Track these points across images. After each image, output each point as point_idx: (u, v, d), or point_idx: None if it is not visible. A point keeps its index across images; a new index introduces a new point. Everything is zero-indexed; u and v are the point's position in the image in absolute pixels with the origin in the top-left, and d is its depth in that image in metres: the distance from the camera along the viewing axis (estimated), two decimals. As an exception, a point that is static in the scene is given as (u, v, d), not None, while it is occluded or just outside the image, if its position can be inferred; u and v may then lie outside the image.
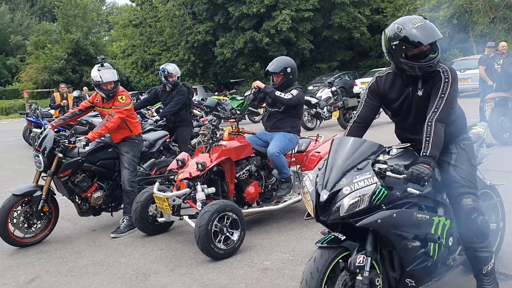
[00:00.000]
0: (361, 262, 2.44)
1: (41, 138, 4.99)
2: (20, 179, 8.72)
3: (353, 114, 10.50)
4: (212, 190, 4.60)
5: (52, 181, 5.02)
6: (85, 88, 20.51)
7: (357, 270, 2.43)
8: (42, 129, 5.15)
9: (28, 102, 27.42)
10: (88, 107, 5.43)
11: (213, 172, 4.69)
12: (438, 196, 2.89)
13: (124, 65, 37.94)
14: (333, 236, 2.55)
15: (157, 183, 4.79)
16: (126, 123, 5.27)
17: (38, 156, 4.91)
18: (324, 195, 2.49)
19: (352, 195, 2.44)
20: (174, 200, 4.53)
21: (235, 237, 4.26)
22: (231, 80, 36.47)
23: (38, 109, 12.78)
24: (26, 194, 4.85)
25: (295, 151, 5.13)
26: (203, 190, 4.50)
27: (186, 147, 7.00)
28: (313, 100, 12.44)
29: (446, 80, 2.76)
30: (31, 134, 12.58)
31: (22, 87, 41.86)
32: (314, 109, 12.33)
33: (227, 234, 4.23)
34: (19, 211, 4.85)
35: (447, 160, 2.92)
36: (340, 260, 2.51)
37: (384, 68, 3.14)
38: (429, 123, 2.68)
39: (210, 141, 4.81)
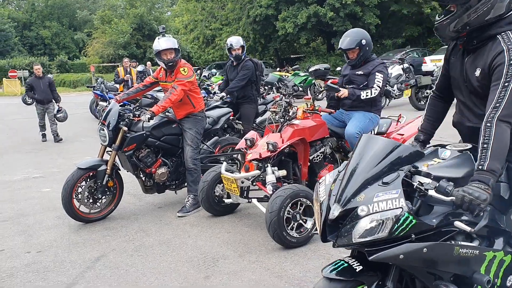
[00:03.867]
0: None
1: (106, 112, 4.87)
2: (86, 152, 8.85)
3: (426, 93, 9.72)
4: (283, 172, 4.29)
5: (117, 156, 4.90)
6: (148, 63, 20.74)
7: None
8: (107, 103, 5.03)
9: (94, 76, 28.21)
10: (152, 83, 5.25)
11: (285, 153, 4.36)
12: (499, 221, 2.14)
13: (186, 40, 38.15)
14: (346, 265, 1.99)
15: (224, 163, 4.54)
16: (190, 98, 5.04)
17: (103, 130, 4.79)
18: (335, 211, 1.89)
19: (371, 218, 1.83)
20: (242, 182, 4.26)
21: (308, 225, 3.93)
22: (291, 56, 35.80)
23: (103, 83, 12.97)
24: (91, 168, 4.75)
25: (375, 132, 4.69)
26: (273, 173, 4.20)
27: (249, 125, 6.70)
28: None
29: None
30: (97, 107, 12.89)
31: (89, 61, 43.34)
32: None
33: (300, 221, 3.91)
34: (83, 186, 4.76)
35: None
36: None
37: None
38: (488, 124, 1.98)
39: (282, 119, 4.46)
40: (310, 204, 3.91)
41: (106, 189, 4.86)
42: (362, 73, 4.51)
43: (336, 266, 1.99)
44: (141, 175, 5.05)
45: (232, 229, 4.42)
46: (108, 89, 12.57)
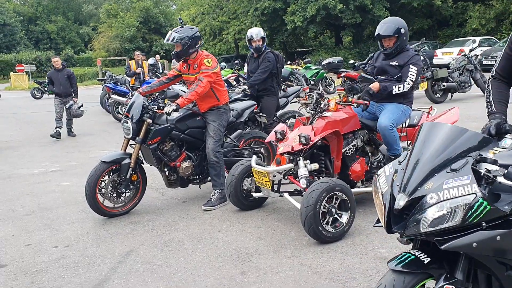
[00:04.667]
0: None
1: (129, 104, 4.76)
2: (102, 145, 8.79)
3: (442, 85, 9.62)
4: (315, 166, 4.19)
5: (140, 149, 4.81)
6: (157, 56, 20.64)
7: None
8: (130, 95, 4.93)
9: (102, 69, 28.14)
10: (176, 76, 5.13)
11: (317, 146, 4.25)
12: None
13: (193, 33, 38.02)
14: (413, 257, 1.91)
15: (254, 156, 4.45)
16: (213, 90, 4.90)
17: (127, 123, 4.68)
18: (401, 201, 1.84)
19: (440, 205, 1.77)
20: (274, 176, 4.16)
21: (344, 219, 3.83)
22: (298, 50, 35.61)
23: (111, 77, 12.88)
24: (115, 161, 4.65)
25: (407, 124, 4.57)
26: (305, 166, 4.10)
27: (270, 119, 6.59)
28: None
29: None
30: (109, 101, 12.82)
31: (95, 55, 43.32)
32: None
33: (336, 216, 3.81)
34: (106, 181, 4.67)
35: None
36: None
37: None
38: None
39: (313, 111, 4.34)
40: (346, 198, 3.81)
41: (130, 183, 4.78)
42: (396, 63, 4.38)
43: (403, 258, 1.92)
44: (165, 169, 4.94)
45: (262, 224, 4.33)
46: (120, 82, 12.48)
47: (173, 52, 4.98)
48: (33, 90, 23.06)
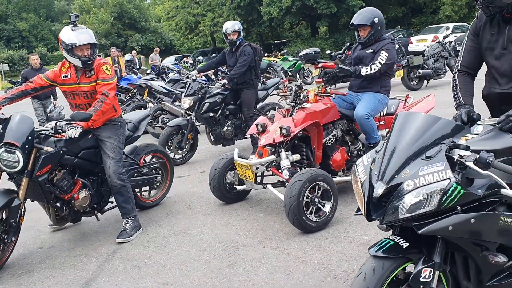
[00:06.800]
0: (427, 277, 1.91)
1: (6, 127, 3.68)
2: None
3: (418, 73, 9.82)
4: (296, 157, 4.25)
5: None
6: (133, 51, 20.42)
7: (421, 286, 1.92)
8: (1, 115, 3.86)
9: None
10: (44, 86, 4.20)
11: (298, 137, 4.31)
12: None
13: (169, 27, 37.65)
14: (392, 242, 1.99)
15: (236, 149, 4.48)
16: None
17: (12, 152, 3.54)
18: (379, 189, 1.91)
19: (417, 192, 1.84)
20: (257, 168, 4.22)
21: (327, 208, 3.91)
22: (275, 41, 35.63)
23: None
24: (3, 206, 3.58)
25: (384, 113, 4.67)
26: (287, 157, 4.16)
27: (250, 112, 6.64)
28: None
29: None
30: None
31: (69, 52, 42.56)
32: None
33: (319, 205, 3.89)
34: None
35: None
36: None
37: None
38: None
39: (293, 103, 4.40)
40: (328, 187, 3.89)
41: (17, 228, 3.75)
42: (372, 51, 4.47)
43: (383, 244, 2.00)
44: (57, 204, 3.98)
45: (246, 216, 4.38)
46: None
47: (84, 57, 3.95)
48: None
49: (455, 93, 2.59)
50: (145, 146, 4.87)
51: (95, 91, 4.04)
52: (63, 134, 3.79)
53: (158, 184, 4.93)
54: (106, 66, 4.06)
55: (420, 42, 20.70)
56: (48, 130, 3.80)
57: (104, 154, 4.09)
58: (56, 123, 3.86)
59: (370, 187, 1.98)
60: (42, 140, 3.79)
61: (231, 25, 6.52)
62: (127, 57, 14.89)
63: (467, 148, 1.91)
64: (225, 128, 6.61)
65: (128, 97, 10.71)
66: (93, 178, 4.23)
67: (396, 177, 1.92)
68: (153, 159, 4.95)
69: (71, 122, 3.87)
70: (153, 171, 4.87)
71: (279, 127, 4.14)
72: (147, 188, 4.91)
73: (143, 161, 4.74)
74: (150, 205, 4.89)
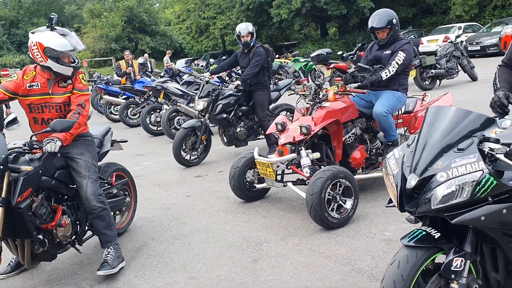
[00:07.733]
0: (458, 266, 1.96)
1: None
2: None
3: (431, 73, 9.74)
4: (316, 155, 4.32)
5: None
6: (145, 54, 20.60)
7: (452, 275, 1.97)
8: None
9: (88, 70, 27.97)
10: (2, 100, 3.47)
11: (317, 136, 4.37)
12: None
13: (179, 30, 37.85)
14: (424, 232, 2.05)
15: (256, 148, 4.55)
16: None
17: None
18: (412, 181, 1.98)
19: (449, 183, 1.90)
20: (278, 166, 4.28)
21: (348, 205, 3.96)
22: (285, 43, 35.69)
23: (99, 77, 12.88)
24: None
25: (403, 111, 4.71)
26: (308, 156, 4.22)
27: (264, 113, 6.69)
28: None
29: None
30: (101, 101, 12.83)
31: (80, 56, 42.87)
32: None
33: (340, 202, 3.94)
34: None
35: None
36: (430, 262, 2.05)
37: None
38: None
39: (312, 102, 4.46)
40: (349, 185, 3.94)
41: None
42: (390, 52, 4.52)
43: (415, 234, 2.06)
44: (39, 236, 3.21)
45: (267, 214, 4.44)
46: (111, 82, 12.51)
47: (68, 67, 3.45)
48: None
49: (494, 82, 2.67)
50: (107, 164, 4.20)
51: (69, 102, 3.53)
52: (39, 150, 3.24)
53: (126, 206, 4.35)
54: (82, 76, 3.62)
55: (431, 42, 20.64)
56: (21, 147, 3.19)
57: (77, 174, 3.50)
58: (31, 136, 3.39)
59: (402, 179, 2.04)
60: (12, 159, 3.10)
61: (245, 27, 6.59)
62: (140, 60, 14.98)
63: (497, 141, 1.97)
64: (238, 129, 6.68)
65: (143, 99, 10.85)
66: (68, 204, 3.58)
67: (429, 169, 1.99)
68: (117, 180, 4.23)
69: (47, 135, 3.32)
70: (121, 191, 4.23)
71: (299, 126, 4.21)
72: (117, 212, 4.26)
73: (114, 181, 4.14)
74: (119, 232, 4.14)
